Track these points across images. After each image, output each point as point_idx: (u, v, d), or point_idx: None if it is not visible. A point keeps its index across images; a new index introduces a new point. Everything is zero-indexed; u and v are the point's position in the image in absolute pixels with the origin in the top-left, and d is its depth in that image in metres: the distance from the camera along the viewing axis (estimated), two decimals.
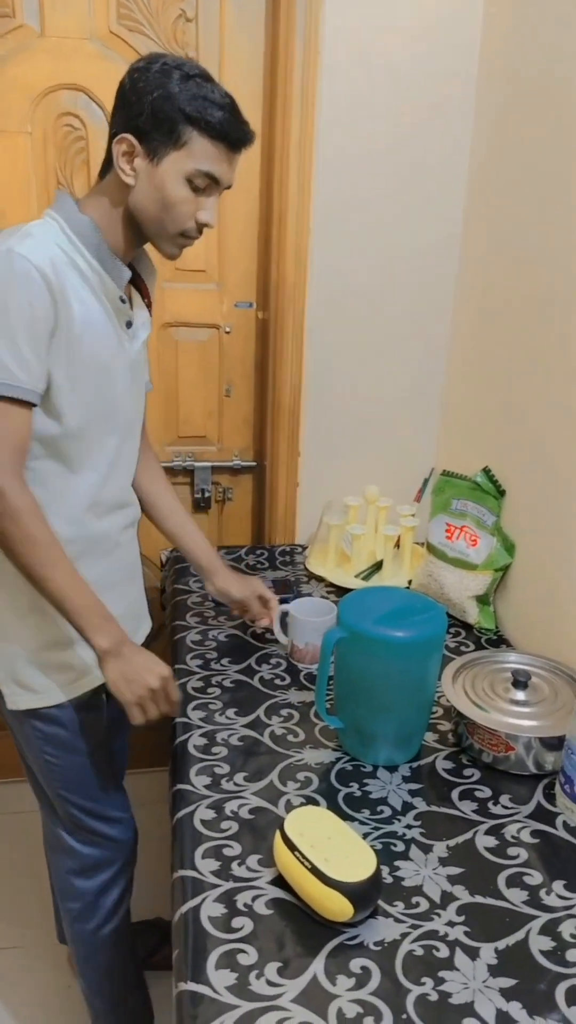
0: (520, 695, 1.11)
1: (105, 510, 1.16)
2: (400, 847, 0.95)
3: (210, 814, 0.99)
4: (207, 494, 1.90)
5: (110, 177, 1.09)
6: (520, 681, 1.11)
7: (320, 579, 1.67)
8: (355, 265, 1.67)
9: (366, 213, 1.63)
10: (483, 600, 1.47)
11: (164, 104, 1.02)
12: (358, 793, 1.04)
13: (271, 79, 1.60)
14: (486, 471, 1.48)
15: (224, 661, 1.34)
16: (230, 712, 1.20)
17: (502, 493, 1.46)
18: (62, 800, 1.22)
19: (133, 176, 1.06)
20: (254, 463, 1.90)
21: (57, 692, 1.15)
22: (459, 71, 1.56)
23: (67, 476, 1.10)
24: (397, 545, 1.68)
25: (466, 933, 0.83)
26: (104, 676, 1.06)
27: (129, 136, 1.04)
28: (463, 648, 1.41)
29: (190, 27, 1.58)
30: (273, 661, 1.35)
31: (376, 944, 0.82)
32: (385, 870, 0.90)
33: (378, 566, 1.64)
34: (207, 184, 1.07)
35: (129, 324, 1.15)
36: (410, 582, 1.61)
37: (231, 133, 1.05)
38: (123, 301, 1.12)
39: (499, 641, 1.44)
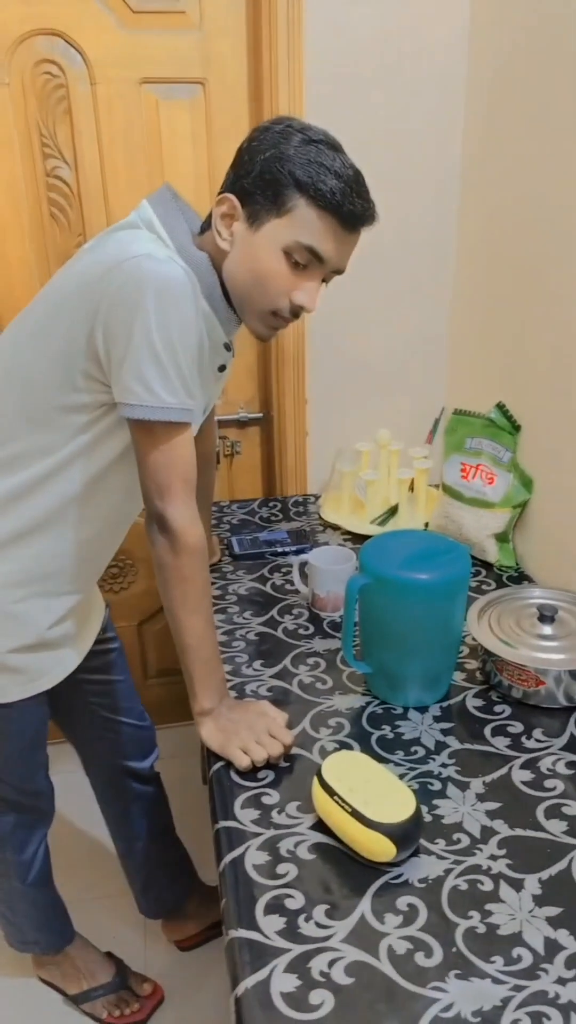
0: (547, 629, 1.10)
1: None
2: (437, 786, 0.95)
3: None
4: (215, 449, 1.87)
5: (208, 235, 1.01)
6: (547, 616, 1.11)
7: (335, 527, 1.66)
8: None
9: (361, 144, 1.57)
10: (502, 538, 1.45)
11: (274, 165, 0.93)
12: (391, 735, 1.04)
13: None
14: (500, 406, 1.45)
15: (246, 614, 1.34)
16: (257, 664, 1.20)
17: (517, 428, 1.43)
18: None
19: (229, 241, 0.98)
20: (260, 414, 1.88)
21: (9, 691, 1.10)
22: None
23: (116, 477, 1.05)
24: (411, 488, 1.66)
25: (508, 866, 0.84)
26: (199, 733, 1.01)
27: (231, 197, 0.97)
28: (484, 587, 1.40)
29: None
30: (295, 612, 1.34)
31: (420, 881, 0.82)
32: (424, 809, 0.91)
33: (393, 511, 1.62)
34: (308, 261, 0.97)
35: (222, 368, 1.10)
36: (427, 525, 1.60)
37: (343, 205, 0.94)
38: (227, 348, 1.07)
39: (520, 578, 1.43)
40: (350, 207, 0.95)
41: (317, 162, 0.93)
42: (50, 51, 1.51)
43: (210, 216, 1.02)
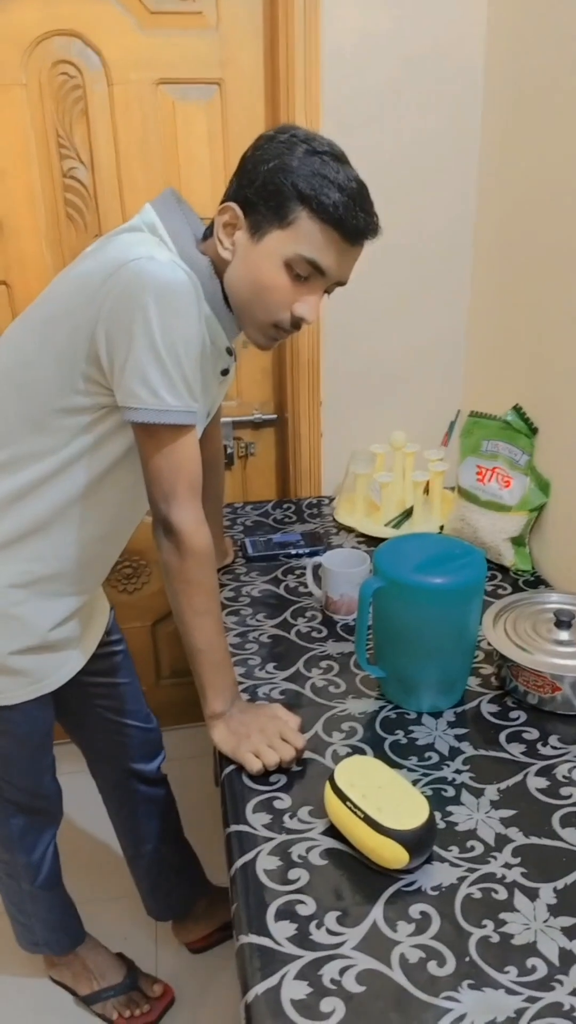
0: (564, 635, 1.09)
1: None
2: (451, 792, 0.94)
3: None
4: (229, 450, 1.87)
5: (211, 241, 1.00)
6: (563, 621, 1.09)
7: (350, 530, 1.65)
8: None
9: (378, 148, 1.57)
10: (518, 541, 1.44)
11: (278, 176, 0.93)
12: (404, 740, 1.03)
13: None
14: (517, 409, 1.44)
15: (259, 616, 1.33)
16: (269, 667, 1.19)
17: (534, 431, 1.42)
18: None
19: (231, 251, 0.98)
20: (275, 416, 1.87)
21: (13, 694, 1.10)
22: None
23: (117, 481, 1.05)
24: (426, 491, 1.65)
25: (523, 874, 0.83)
26: (211, 736, 1.00)
27: (234, 206, 0.96)
28: (500, 591, 1.39)
29: None
30: (308, 614, 1.34)
31: (434, 889, 0.81)
32: (437, 815, 0.90)
33: (408, 513, 1.61)
34: (310, 274, 0.97)
35: (225, 372, 1.10)
36: (441, 527, 1.59)
37: (346, 219, 0.93)
38: (230, 353, 1.07)
39: (537, 582, 1.42)
40: (353, 221, 0.94)
41: (321, 174, 0.92)
42: (67, 52, 1.52)
43: (213, 222, 1.01)
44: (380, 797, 0.84)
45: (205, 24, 1.54)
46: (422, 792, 0.89)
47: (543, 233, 1.37)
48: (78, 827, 1.85)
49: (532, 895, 0.81)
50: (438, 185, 1.62)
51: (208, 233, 1.03)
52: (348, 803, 0.84)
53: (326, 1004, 0.70)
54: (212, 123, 1.61)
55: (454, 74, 1.54)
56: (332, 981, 0.72)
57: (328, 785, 0.87)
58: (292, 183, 0.92)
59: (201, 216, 1.06)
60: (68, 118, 1.56)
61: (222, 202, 0.99)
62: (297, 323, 1.01)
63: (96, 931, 1.54)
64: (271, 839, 0.88)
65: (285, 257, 0.96)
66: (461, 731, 1.04)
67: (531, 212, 1.41)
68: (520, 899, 0.80)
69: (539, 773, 0.97)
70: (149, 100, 1.57)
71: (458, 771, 0.97)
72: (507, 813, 0.91)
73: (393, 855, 0.81)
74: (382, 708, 1.09)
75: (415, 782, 0.95)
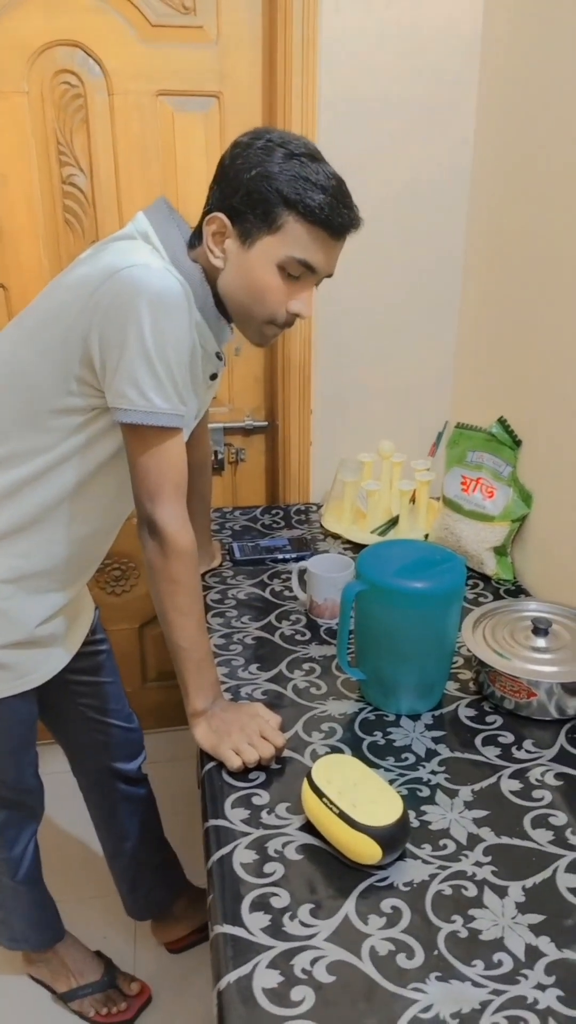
0: (541, 642, 1.11)
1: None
2: (426, 792, 0.96)
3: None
4: (220, 456, 1.89)
5: (201, 248, 1.04)
6: (541, 628, 1.12)
7: (336, 536, 1.67)
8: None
9: (372, 163, 1.60)
10: (501, 551, 1.47)
11: (261, 184, 0.96)
12: (382, 741, 1.05)
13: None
14: (501, 421, 1.47)
15: (244, 618, 1.35)
16: (252, 668, 1.21)
17: (518, 443, 1.45)
18: None
19: (222, 259, 1.01)
20: (266, 423, 1.90)
21: None
22: None
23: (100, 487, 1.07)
24: (412, 500, 1.67)
25: (493, 873, 0.85)
26: (193, 734, 1.02)
27: (221, 216, 0.99)
28: (482, 599, 1.41)
29: None
30: (293, 617, 1.36)
31: (405, 885, 0.83)
32: (412, 814, 0.92)
33: (394, 522, 1.64)
34: (302, 272, 1.00)
35: (214, 376, 1.13)
36: (426, 536, 1.61)
37: (332, 218, 0.97)
38: (219, 358, 1.10)
39: (517, 591, 1.45)
40: (338, 219, 0.98)
41: (302, 177, 0.96)
42: (70, 62, 1.55)
43: (200, 228, 1.04)
44: (356, 794, 0.86)
45: (205, 38, 1.57)
46: (397, 791, 0.91)
47: (531, 250, 1.40)
48: (60, 827, 1.85)
49: (501, 893, 0.83)
50: (432, 198, 1.65)
51: (196, 241, 1.06)
52: (324, 799, 0.86)
53: (296, 993, 0.72)
54: (210, 134, 1.64)
55: (450, 89, 1.58)
56: (303, 971, 0.74)
57: (305, 781, 0.89)
58: (276, 189, 0.96)
59: (194, 226, 1.08)
60: (68, 126, 1.59)
61: (206, 211, 1.03)
62: (291, 319, 1.05)
63: (75, 929, 1.55)
64: (248, 834, 0.90)
65: (277, 260, 0.99)
66: (438, 734, 1.06)
67: (520, 229, 1.44)
68: (489, 896, 0.82)
69: (513, 776, 0.99)
70: (148, 110, 1.60)
71: (434, 772, 0.99)
72: (480, 813, 0.93)
73: (367, 850, 0.83)
74: (362, 710, 1.11)
75: (391, 782, 0.97)
